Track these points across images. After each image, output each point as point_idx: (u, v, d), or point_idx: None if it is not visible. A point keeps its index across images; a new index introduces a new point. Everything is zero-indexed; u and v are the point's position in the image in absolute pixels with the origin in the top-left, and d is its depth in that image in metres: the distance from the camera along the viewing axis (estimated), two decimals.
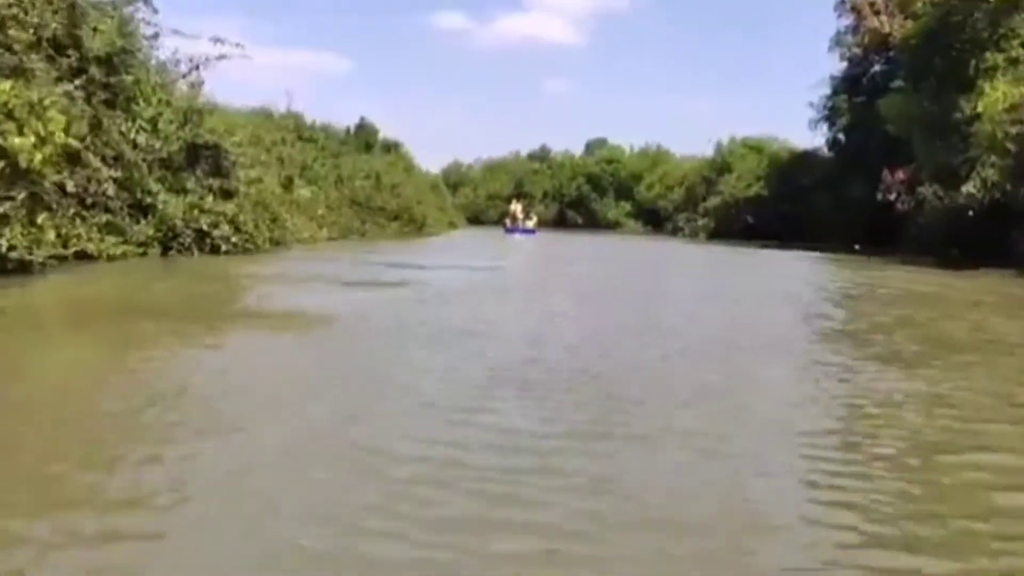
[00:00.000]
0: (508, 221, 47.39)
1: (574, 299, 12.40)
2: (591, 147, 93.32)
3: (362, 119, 58.19)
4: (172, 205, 15.52)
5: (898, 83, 31.75)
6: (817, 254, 31.10)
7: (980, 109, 20.89)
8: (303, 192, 25.93)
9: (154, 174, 15.67)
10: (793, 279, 17.52)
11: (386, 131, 48.64)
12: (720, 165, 48.89)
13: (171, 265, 14.32)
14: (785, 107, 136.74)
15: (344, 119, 53.32)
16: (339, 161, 32.12)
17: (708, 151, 52.66)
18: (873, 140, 35.82)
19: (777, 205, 41.78)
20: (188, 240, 15.64)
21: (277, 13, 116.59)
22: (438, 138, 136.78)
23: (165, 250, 15.44)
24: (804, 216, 40.55)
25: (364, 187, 32.05)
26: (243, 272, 13.33)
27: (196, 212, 16.02)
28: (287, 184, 24.68)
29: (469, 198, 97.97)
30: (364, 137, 56.98)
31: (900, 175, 33.47)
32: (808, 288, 15.23)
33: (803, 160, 42.77)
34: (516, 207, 48.45)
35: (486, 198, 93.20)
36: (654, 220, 70.22)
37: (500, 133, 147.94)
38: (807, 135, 50.35)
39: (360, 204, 31.39)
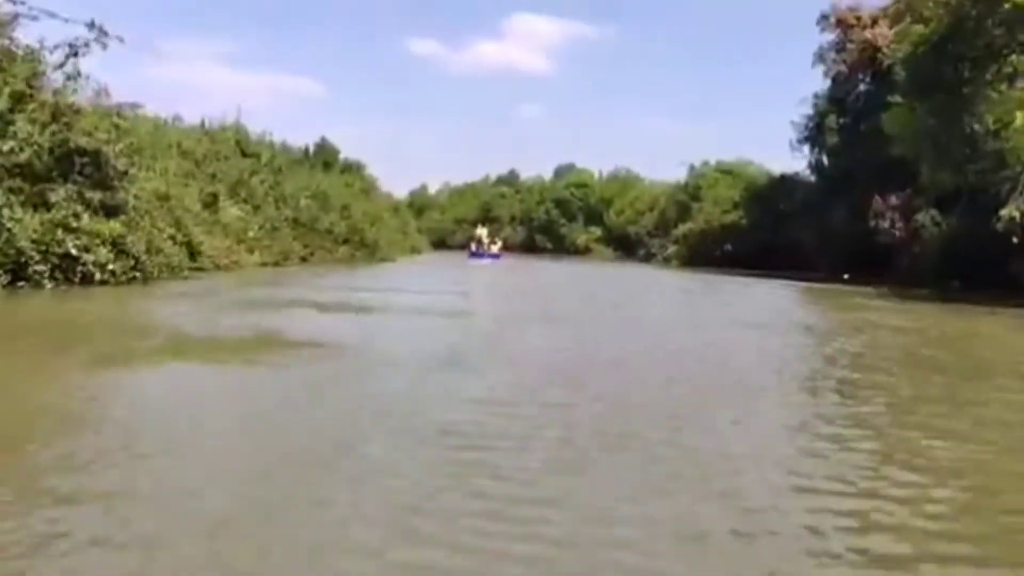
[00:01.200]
0: (473, 246, 46.22)
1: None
2: (560, 172, 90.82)
3: (322, 139, 54.63)
4: (23, 224, 11.99)
5: (893, 99, 29.23)
6: (802, 284, 28.25)
7: (998, 123, 18.09)
8: (232, 211, 22.43)
9: (3, 184, 12.16)
10: (778, 321, 14.46)
11: (352, 153, 45.75)
12: (693, 190, 46.16)
13: None
14: (758, 131, 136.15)
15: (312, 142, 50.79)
16: (281, 178, 28.61)
17: (680, 175, 50.13)
18: (860, 163, 33.21)
19: (756, 233, 39.03)
20: (44, 268, 12.11)
21: (255, 37, 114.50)
22: (410, 163, 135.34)
23: (14, 279, 11.91)
24: (784, 244, 37.83)
25: (309, 207, 28.55)
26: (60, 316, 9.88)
27: (60, 232, 12.50)
28: (210, 202, 21.15)
29: (436, 221, 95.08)
30: (324, 157, 54.08)
31: (893, 200, 30.95)
32: (806, 344, 12.13)
33: (782, 184, 40.12)
34: (481, 232, 47.33)
35: (453, 222, 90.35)
36: (624, 246, 67.48)
37: (472, 159, 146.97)
38: (782, 160, 47.84)
39: (304, 226, 27.90)
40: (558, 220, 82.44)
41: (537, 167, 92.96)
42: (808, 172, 38.20)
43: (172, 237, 18.20)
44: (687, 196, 46.10)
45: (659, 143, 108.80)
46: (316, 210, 29.33)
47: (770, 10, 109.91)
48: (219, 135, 29.55)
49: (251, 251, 22.40)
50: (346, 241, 30.15)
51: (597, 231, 76.52)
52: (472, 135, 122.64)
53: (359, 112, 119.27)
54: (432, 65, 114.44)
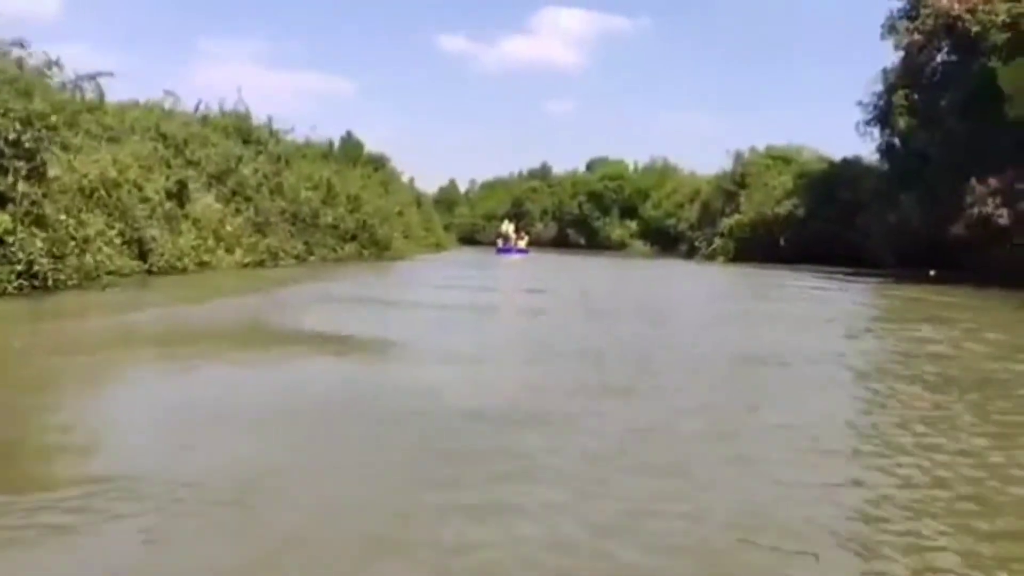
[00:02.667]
0: (500, 241, 43.41)
1: None
2: (593, 166, 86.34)
3: (348, 132, 52.04)
4: None
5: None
6: (880, 283, 23.91)
7: None
8: (205, 202, 18.68)
9: None
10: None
11: (384, 148, 43.36)
12: (740, 179, 41.58)
13: None
14: (802, 123, 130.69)
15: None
16: (280, 167, 24.84)
17: (724, 164, 45.48)
18: (938, 144, 28.61)
19: (814, 224, 34.51)
20: None
21: (287, 37, 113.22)
22: (440, 160, 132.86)
23: None
24: (847, 236, 33.31)
25: (310, 199, 24.76)
26: None
27: None
28: (177, 191, 17.38)
29: (465, 217, 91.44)
30: (348, 150, 50.80)
31: (993, 183, 26.13)
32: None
33: (845, 170, 35.47)
34: (508, 227, 44.80)
35: (482, 217, 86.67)
36: (663, 240, 62.98)
37: (502, 154, 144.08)
38: (834, 150, 42.68)
39: (303, 221, 24.14)
40: (591, 214, 78.09)
41: (569, 162, 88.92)
42: (874, 157, 33.58)
43: (121, 233, 14.72)
44: (734, 185, 41.55)
45: (696, 138, 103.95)
46: (318, 203, 25.52)
47: (809, 5, 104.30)
48: (217, 120, 26.05)
49: (230, 250, 18.65)
50: (353, 237, 26.27)
51: (633, 225, 72.05)
52: (504, 131, 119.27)
53: (389, 109, 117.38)
54: (462, 61, 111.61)
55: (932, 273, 26.36)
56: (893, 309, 15.48)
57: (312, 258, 23.77)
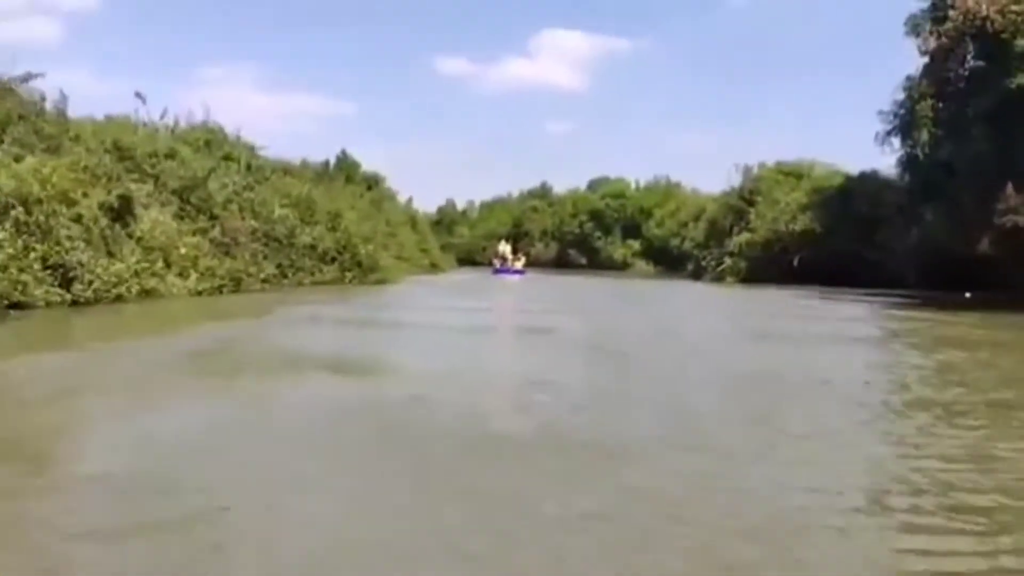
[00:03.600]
0: (497, 262, 42.56)
1: None
2: (594, 185, 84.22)
3: (343, 151, 50.43)
4: None
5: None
6: (911, 308, 21.50)
7: None
8: (152, 219, 16.31)
9: None
10: None
11: (385, 170, 42.07)
12: (749, 195, 39.28)
13: None
14: (806, 142, 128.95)
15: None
16: (252, 182, 22.54)
17: (732, 180, 43.14)
18: (965, 156, 26.30)
19: (831, 241, 32.15)
20: None
21: (286, 60, 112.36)
22: (440, 182, 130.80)
23: None
24: (866, 254, 30.97)
25: (285, 217, 22.45)
26: None
27: None
28: (119, 207, 15.01)
29: (465, 238, 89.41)
30: (345, 170, 48.94)
31: None
32: None
33: (863, 184, 33.14)
34: (505, 248, 44.22)
35: (482, 237, 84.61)
36: (667, 260, 60.72)
37: (503, 175, 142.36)
38: (845, 163, 40.15)
39: (278, 241, 21.81)
40: (592, 233, 75.96)
41: (571, 183, 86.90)
42: (895, 170, 31.16)
43: (44, 258, 12.42)
44: (743, 202, 39.23)
45: (699, 157, 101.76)
46: (295, 221, 23.15)
47: (809, 21, 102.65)
48: (188, 133, 23.90)
49: (183, 274, 16.28)
50: (334, 259, 23.87)
51: (635, 244, 69.86)
52: (504, 153, 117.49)
53: (389, 131, 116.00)
54: (462, 83, 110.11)
55: (968, 296, 24.00)
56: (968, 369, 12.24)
57: (286, 282, 21.42)
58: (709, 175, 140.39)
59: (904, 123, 29.52)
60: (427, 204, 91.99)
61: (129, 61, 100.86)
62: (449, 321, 13.64)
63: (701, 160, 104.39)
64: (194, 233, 18.55)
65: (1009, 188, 22.83)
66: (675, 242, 60.53)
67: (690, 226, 58.26)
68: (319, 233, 23.95)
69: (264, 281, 19.88)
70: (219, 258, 18.52)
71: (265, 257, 21.19)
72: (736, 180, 41.55)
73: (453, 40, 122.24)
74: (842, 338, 12.35)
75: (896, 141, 30.04)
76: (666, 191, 70.31)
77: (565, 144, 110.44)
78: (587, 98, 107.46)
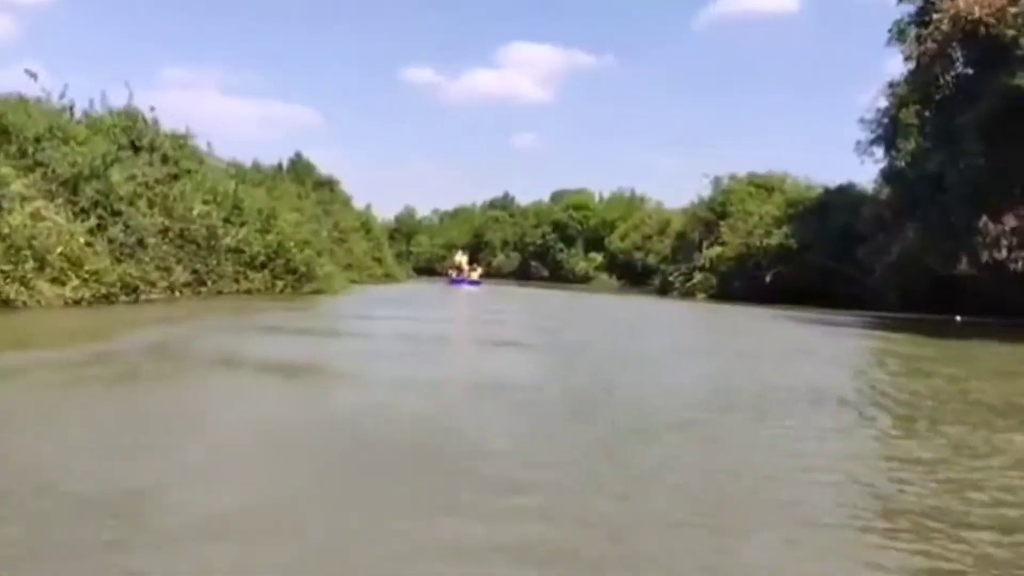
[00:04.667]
0: (453, 272, 40.92)
1: None
2: (557, 198, 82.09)
3: (297, 154, 47.97)
4: None
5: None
6: (903, 334, 19.16)
7: None
8: (22, 215, 13.24)
9: None
10: None
11: (348, 178, 39.61)
12: (720, 207, 37.10)
13: None
14: (773, 153, 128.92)
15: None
16: (167, 174, 19.45)
17: (697, 195, 41.00)
18: (953, 168, 24.35)
19: (807, 257, 30.03)
20: None
21: (252, 66, 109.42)
22: (404, 191, 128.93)
23: None
24: (846, 272, 28.88)
25: (207, 215, 19.41)
26: None
27: None
28: None
29: (424, 247, 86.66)
30: (298, 173, 46.32)
31: (1011, 221, 22.33)
32: None
33: (841, 198, 31.12)
34: (461, 258, 41.79)
35: (442, 247, 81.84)
36: (630, 274, 58.51)
37: (467, 187, 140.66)
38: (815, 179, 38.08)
39: (195, 243, 18.79)
40: (555, 245, 73.67)
41: (534, 196, 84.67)
42: (872, 184, 29.24)
43: None
44: (712, 215, 37.04)
45: (663, 174, 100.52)
46: (218, 221, 20.06)
47: (771, 43, 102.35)
48: (99, 121, 20.75)
49: (59, 280, 13.24)
50: (264, 265, 20.87)
51: (598, 257, 67.62)
52: (468, 164, 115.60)
53: (355, 140, 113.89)
54: (428, 93, 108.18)
55: (959, 319, 21.89)
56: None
57: (204, 290, 18.41)
58: (674, 191, 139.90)
59: (887, 132, 27.56)
60: (389, 213, 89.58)
61: (88, 60, 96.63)
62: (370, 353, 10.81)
63: (666, 176, 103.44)
64: (91, 232, 15.58)
65: (985, 221, 20.91)
66: (639, 256, 58.43)
67: (654, 240, 56.25)
68: (247, 235, 20.95)
69: (171, 289, 16.85)
70: (118, 261, 15.51)
71: (179, 261, 18.17)
72: (706, 192, 39.43)
73: (420, 50, 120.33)
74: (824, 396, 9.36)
75: (879, 151, 28.08)
76: (630, 204, 68.33)
77: (529, 157, 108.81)
78: (552, 112, 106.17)
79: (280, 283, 20.93)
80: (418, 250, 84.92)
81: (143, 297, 15.40)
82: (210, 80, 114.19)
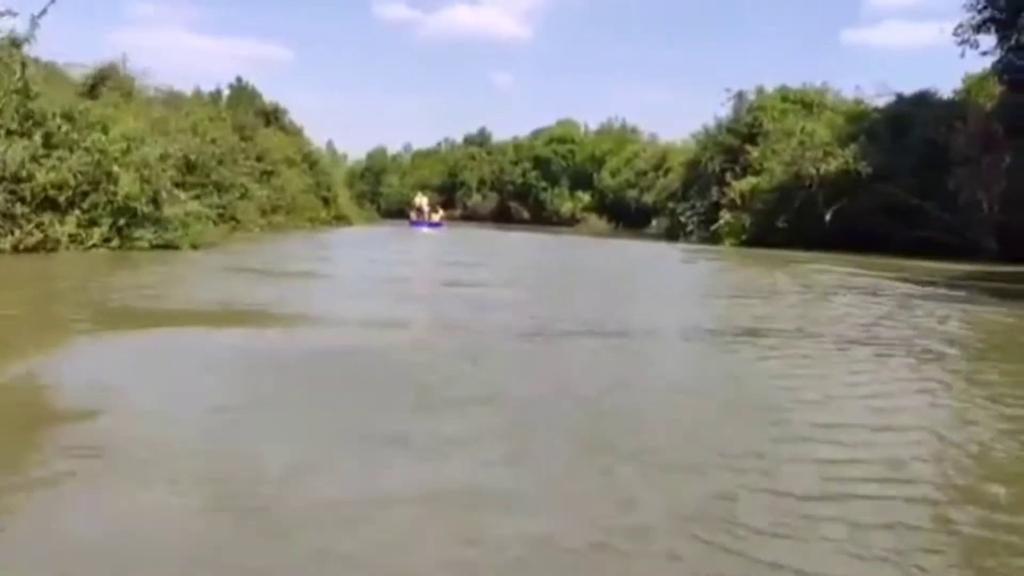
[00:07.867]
0: (413, 215, 37.04)
1: None
2: (539, 135, 73.12)
3: (238, 78, 39.94)
4: None
5: None
6: None
7: None
8: None
9: None
10: None
11: (321, 118, 30.29)
12: (748, 130, 28.79)
13: None
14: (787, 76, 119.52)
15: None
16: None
17: (714, 116, 32.60)
18: None
19: (878, 189, 22.00)
20: None
21: (221, 2, 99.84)
22: (379, 130, 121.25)
23: None
24: (932, 209, 20.94)
25: (57, 134, 11.02)
26: None
27: None
28: None
29: (395, 188, 77.92)
30: (240, 100, 37.84)
31: None
32: None
33: (925, 111, 22.91)
34: (422, 200, 37.92)
35: (413, 187, 73.25)
36: (623, 215, 50.47)
37: (445, 126, 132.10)
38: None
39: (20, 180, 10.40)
40: (537, 184, 65.16)
41: (513, 132, 75.85)
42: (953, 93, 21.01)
43: None
44: (737, 138, 28.77)
45: (654, 112, 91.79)
46: (28, 150, 11.66)
47: None
48: None
49: None
50: (72, 204, 12.44)
51: (586, 197, 59.31)
52: (446, 102, 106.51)
53: (327, 78, 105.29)
54: (403, 29, 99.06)
55: None
56: None
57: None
58: (669, 125, 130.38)
59: (1007, 13, 19.33)
60: (362, 154, 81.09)
61: None
62: None
63: (659, 114, 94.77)
64: None
65: None
66: (632, 194, 50.30)
67: (650, 176, 48.11)
68: (68, 167, 12.45)
69: None
70: None
71: None
72: (724, 112, 31.00)
73: None
74: None
75: (986, 40, 19.80)
76: (621, 136, 59.73)
77: (510, 95, 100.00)
78: (533, 48, 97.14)
79: (97, 231, 12.51)
80: (388, 191, 76.19)
81: None
82: (178, 17, 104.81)
